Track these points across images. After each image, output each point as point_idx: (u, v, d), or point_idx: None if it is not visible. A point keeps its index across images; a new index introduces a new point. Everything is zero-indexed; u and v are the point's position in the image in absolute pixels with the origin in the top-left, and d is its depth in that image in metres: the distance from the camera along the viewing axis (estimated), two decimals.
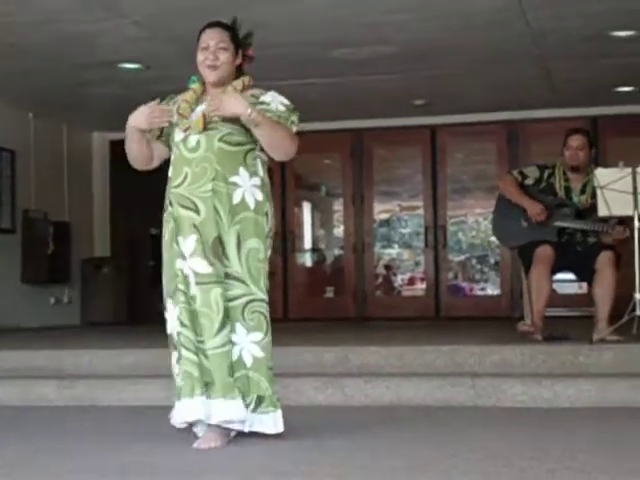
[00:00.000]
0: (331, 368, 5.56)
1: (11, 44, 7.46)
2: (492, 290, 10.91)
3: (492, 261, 10.99)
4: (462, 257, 11.12)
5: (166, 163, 4.05)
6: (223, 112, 3.79)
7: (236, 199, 3.85)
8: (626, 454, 3.58)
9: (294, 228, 11.13)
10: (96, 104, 9.76)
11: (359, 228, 10.90)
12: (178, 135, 3.93)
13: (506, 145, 10.52)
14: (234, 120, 3.83)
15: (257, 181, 3.92)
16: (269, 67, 7.23)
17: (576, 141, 6.18)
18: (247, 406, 3.83)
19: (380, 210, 11.17)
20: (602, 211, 5.80)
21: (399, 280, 11.18)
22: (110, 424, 4.75)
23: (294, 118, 3.92)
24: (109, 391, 5.45)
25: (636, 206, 5.69)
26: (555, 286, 7.14)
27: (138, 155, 4.03)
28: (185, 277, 3.82)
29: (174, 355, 3.90)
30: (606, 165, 6.41)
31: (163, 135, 4.01)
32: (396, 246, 11.28)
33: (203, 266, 3.79)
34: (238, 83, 3.96)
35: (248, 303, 3.84)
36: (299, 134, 3.93)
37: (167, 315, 3.92)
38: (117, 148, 9.51)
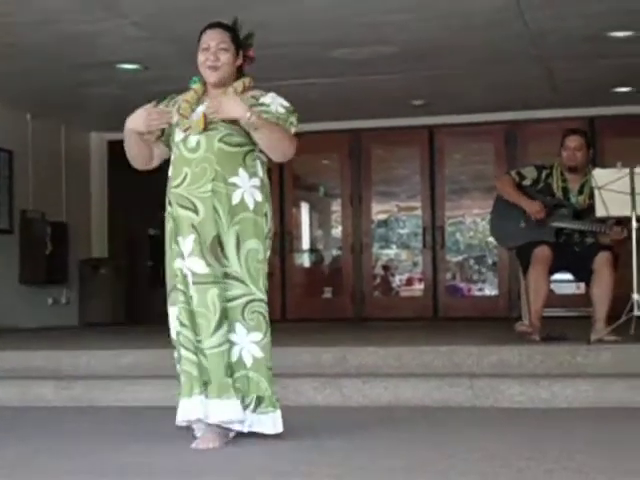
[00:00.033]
0: (329, 369, 5.56)
1: (11, 44, 7.46)
2: (490, 290, 10.92)
3: (490, 262, 10.99)
4: (460, 257, 11.12)
5: (166, 163, 4.05)
6: (222, 115, 3.79)
7: (235, 200, 3.85)
8: (624, 454, 3.58)
9: (292, 228, 11.13)
10: (94, 104, 9.76)
11: (357, 228, 10.91)
12: (178, 135, 3.93)
13: (504, 145, 10.53)
14: (234, 121, 3.84)
15: (256, 182, 3.92)
16: (269, 67, 7.24)
17: (573, 141, 6.19)
18: (247, 406, 3.84)
19: (378, 210, 11.17)
20: (600, 211, 5.80)
21: (397, 280, 11.18)
22: (108, 425, 4.75)
23: (293, 119, 3.92)
24: (107, 392, 5.45)
25: (634, 207, 5.69)
26: (553, 286, 7.14)
27: (138, 156, 4.03)
28: (184, 277, 3.83)
29: (176, 354, 3.92)
30: (604, 165, 6.42)
31: (164, 135, 4.01)
32: (394, 246, 11.28)
33: (200, 266, 3.80)
34: (239, 84, 3.96)
35: (248, 303, 3.84)
36: (297, 135, 3.94)
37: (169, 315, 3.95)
38: (115, 148, 9.55)
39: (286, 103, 3.94)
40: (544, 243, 6.08)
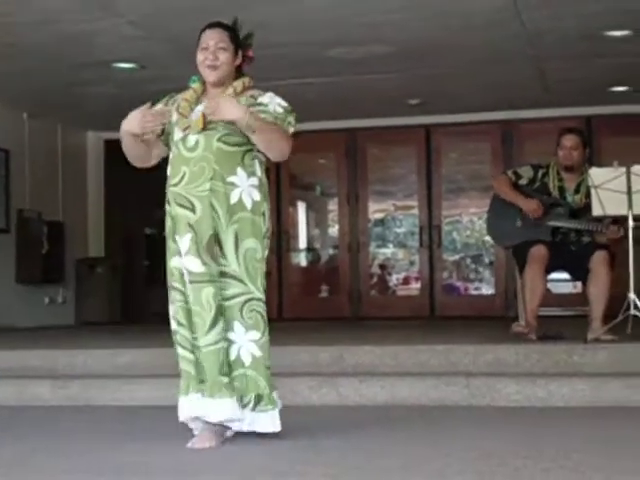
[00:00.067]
0: (326, 367, 5.56)
1: (11, 44, 7.46)
2: (486, 289, 10.93)
3: (486, 261, 11.00)
4: (457, 257, 11.12)
5: (163, 162, 4.05)
6: (219, 117, 3.80)
7: (234, 199, 3.86)
8: (620, 453, 3.59)
9: (289, 228, 11.14)
10: (91, 103, 9.75)
11: (354, 228, 10.91)
12: (177, 134, 3.93)
13: (500, 145, 10.53)
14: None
15: (255, 181, 3.93)
16: (269, 67, 7.24)
17: (570, 141, 6.19)
18: (246, 405, 3.84)
19: (375, 210, 11.17)
20: (596, 210, 5.81)
21: (394, 280, 11.19)
22: (105, 424, 4.75)
23: (291, 119, 3.93)
24: (104, 391, 5.44)
25: (630, 206, 5.69)
26: (549, 285, 7.15)
27: (136, 156, 4.04)
28: (181, 275, 3.84)
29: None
30: (600, 165, 6.42)
31: (164, 134, 4.01)
32: (391, 246, 11.29)
33: (196, 265, 3.80)
34: (238, 84, 3.97)
35: (246, 302, 3.85)
36: (294, 134, 3.94)
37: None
38: (112, 147, 9.55)
39: (284, 103, 3.94)
40: (540, 242, 6.08)
